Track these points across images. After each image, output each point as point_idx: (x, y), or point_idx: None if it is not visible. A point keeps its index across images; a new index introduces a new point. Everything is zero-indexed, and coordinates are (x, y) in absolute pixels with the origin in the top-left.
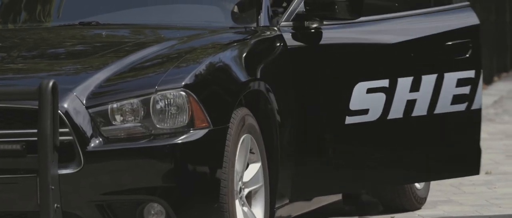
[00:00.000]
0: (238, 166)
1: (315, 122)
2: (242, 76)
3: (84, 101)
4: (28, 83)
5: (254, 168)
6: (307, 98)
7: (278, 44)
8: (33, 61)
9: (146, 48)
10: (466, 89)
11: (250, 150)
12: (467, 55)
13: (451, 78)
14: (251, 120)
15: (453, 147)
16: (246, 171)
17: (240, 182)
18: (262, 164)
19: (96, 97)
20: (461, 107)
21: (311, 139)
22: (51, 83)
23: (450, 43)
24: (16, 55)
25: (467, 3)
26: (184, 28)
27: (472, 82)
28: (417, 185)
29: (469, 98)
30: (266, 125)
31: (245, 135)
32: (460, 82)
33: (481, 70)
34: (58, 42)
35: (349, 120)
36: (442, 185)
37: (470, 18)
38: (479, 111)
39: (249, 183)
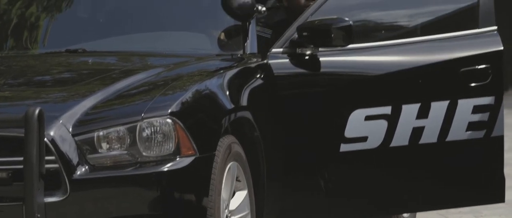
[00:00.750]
0: (224, 194)
1: (304, 150)
2: (228, 103)
3: (70, 129)
4: (14, 111)
5: (241, 196)
6: (296, 126)
7: (264, 71)
8: (19, 88)
9: (133, 76)
10: (484, 116)
11: (237, 177)
12: (487, 81)
13: (466, 104)
14: (238, 148)
15: (473, 174)
16: (233, 199)
17: (226, 210)
18: (249, 192)
19: (82, 125)
20: (479, 134)
21: (299, 166)
22: (37, 111)
23: (466, 69)
24: (2, 82)
25: (494, 27)
26: (171, 55)
27: (492, 109)
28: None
29: (488, 125)
30: (253, 152)
31: (231, 162)
32: (478, 109)
33: (503, 97)
34: (45, 70)
35: (344, 147)
36: (429, 213)
37: (493, 44)
38: (501, 138)
39: (236, 211)
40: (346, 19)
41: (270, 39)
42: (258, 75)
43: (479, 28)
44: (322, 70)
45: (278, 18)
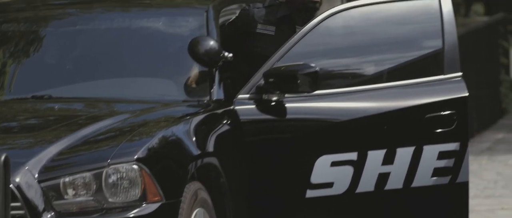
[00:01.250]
0: None
1: (270, 196)
2: (194, 150)
3: (36, 175)
4: None
5: None
6: (262, 172)
7: (231, 117)
8: None
9: (99, 122)
10: (450, 162)
11: None
12: (452, 127)
13: (431, 150)
14: (204, 194)
15: None
16: None
17: None
18: None
19: (48, 171)
20: (444, 180)
21: (265, 213)
22: (2, 157)
23: (431, 115)
24: None
25: (459, 74)
26: (137, 101)
27: (457, 155)
28: None
29: (454, 171)
30: (219, 199)
31: (197, 209)
32: (443, 155)
33: (468, 143)
34: (11, 116)
35: (310, 193)
36: None
37: (458, 90)
38: (466, 184)
39: None
40: (312, 65)
41: (274, 36)
42: (224, 121)
43: (444, 74)
44: (288, 116)
45: (281, 14)
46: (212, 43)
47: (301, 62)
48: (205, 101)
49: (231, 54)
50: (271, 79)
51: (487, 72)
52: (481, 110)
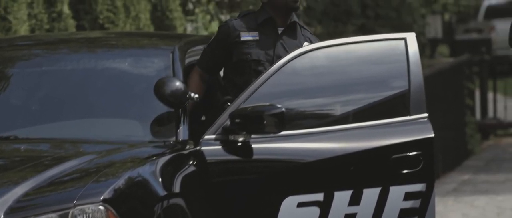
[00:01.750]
0: None
1: None
2: (161, 190)
3: (2, 216)
4: None
5: None
6: (228, 213)
7: (197, 158)
8: None
9: (65, 163)
10: (416, 203)
11: None
12: (419, 168)
13: (397, 191)
14: None
15: None
16: None
17: None
18: None
19: (14, 212)
20: None
21: None
22: None
23: (398, 155)
24: None
25: (425, 115)
26: (103, 142)
27: (423, 196)
28: None
29: (420, 212)
30: None
31: None
32: (409, 196)
33: (434, 184)
34: None
35: None
36: None
37: (424, 131)
38: None
39: None
40: (278, 106)
41: (259, 41)
42: (190, 162)
43: (410, 115)
44: (254, 157)
45: (262, 18)
46: (178, 84)
47: (267, 103)
48: (171, 142)
49: (197, 95)
50: (237, 120)
51: (453, 114)
52: (447, 151)
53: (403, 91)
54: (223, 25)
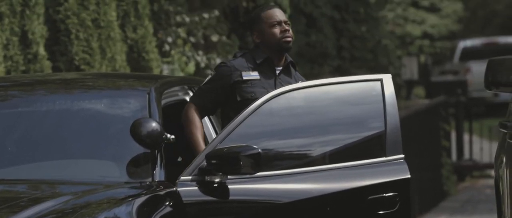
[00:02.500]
0: None
1: None
2: None
3: None
4: None
5: None
6: None
7: (173, 199)
8: None
9: (41, 203)
10: None
11: None
12: (395, 209)
13: None
14: None
15: None
16: None
17: None
18: None
19: None
20: None
21: None
22: None
23: (374, 196)
24: None
25: (401, 156)
26: (79, 183)
27: None
28: None
29: None
30: None
31: None
32: None
33: None
34: None
35: None
36: None
37: (400, 172)
38: None
39: None
40: (255, 147)
41: (260, 80)
42: (167, 203)
43: (386, 156)
44: (231, 198)
45: (260, 59)
46: (154, 124)
47: (244, 144)
48: (147, 183)
49: (173, 136)
50: (213, 161)
51: (429, 155)
52: (423, 192)
53: (379, 132)
54: (222, 66)
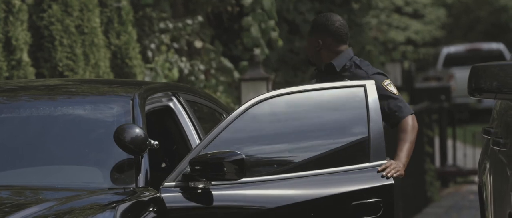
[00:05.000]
0: None
1: None
2: None
3: None
4: None
5: None
6: None
7: (157, 205)
8: None
9: (25, 210)
10: None
11: None
12: (378, 215)
13: None
14: None
15: None
16: None
17: None
18: None
19: None
20: None
21: None
22: None
23: (357, 202)
24: None
25: (385, 161)
26: (63, 189)
27: None
28: None
29: None
30: None
31: None
32: None
33: None
34: None
35: None
36: None
37: (384, 178)
38: None
39: None
40: (239, 153)
41: None
42: (150, 209)
43: (370, 162)
44: (214, 203)
45: (325, 75)
46: (138, 131)
47: (227, 150)
48: (131, 189)
49: (157, 142)
50: (197, 167)
51: (413, 161)
52: (406, 198)
53: (363, 138)
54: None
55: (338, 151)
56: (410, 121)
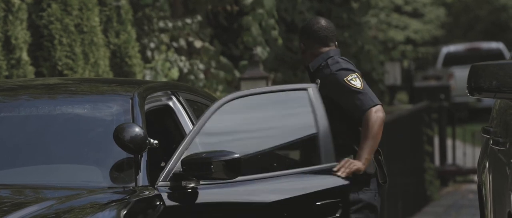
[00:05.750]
0: None
1: None
2: None
3: None
4: None
5: None
6: None
7: (157, 203)
8: None
9: (25, 209)
10: None
11: None
12: (337, 215)
13: None
14: None
15: None
16: None
17: None
18: None
19: None
20: None
21: None
22: None
23: (320, 203)
24: None
25: (334, 163)
26: (63, 188)
27: None
28: None
29: None
30: None
31: None
32: None
33: None
34: None
35: None
36: None
37: (341, 179)
38: None
39: None
40: (231, 152)
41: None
42: (150, 208)
43: (321, 164)
44: (202, 202)
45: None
46: (137, 130)
47: (218, 150)
48: (130, 188)
49: (156, 141)
50: (187, 166)
51: (412, 160)
52: (406, 197)
53: (314, 141)
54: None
55: (291, 154)
56: (372, 114)
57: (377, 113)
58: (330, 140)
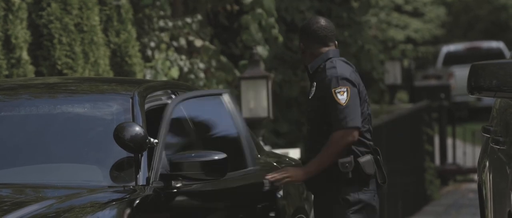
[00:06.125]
0: None
1: None
2: None
3: None
4: None
5: None
6: None
7: (156, 202)
8: None
9: (25, 208)
10: None
11: None
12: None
13: None
14: None
15: None
16: None
17: None
18: None
19: None
20: None
21: None
22: None
23: (261, 205)
24: None
25: (258, 167)
26: (63, 187)
27: None
28: None
29: None
30: None
31: None
32: None
33: None
34: None
35: None
36: None
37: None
38: None
39: None
40: (217, 152)
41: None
42: (149, 207)
43: (247, 167)
44: (194, 202)
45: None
46: (137, 129)
47: (205, 150)
48: (131, 187)
49: (156, 140)
50: (177, 166)
51: (412, 159)
52: (406, 196)
53: (238, 145)
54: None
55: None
56: (340, 135)
57: (344, 138)
58: (253, 146)
